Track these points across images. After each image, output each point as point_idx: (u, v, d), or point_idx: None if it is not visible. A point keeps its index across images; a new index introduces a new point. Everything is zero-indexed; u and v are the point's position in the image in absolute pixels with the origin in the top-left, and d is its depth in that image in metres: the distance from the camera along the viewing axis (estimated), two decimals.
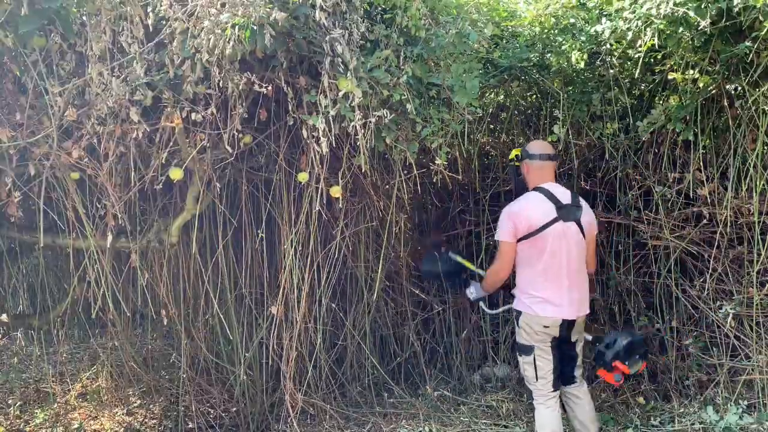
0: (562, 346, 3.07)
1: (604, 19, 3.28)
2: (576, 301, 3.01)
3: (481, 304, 3.54)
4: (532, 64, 3.65)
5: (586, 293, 3.10)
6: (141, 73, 2.48)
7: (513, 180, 3.42)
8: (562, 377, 3.10)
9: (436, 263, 3.64)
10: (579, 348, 3.16)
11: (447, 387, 4.25)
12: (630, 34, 3.14)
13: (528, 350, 3.04)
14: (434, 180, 3.03)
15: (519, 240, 3.00)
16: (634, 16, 3.06)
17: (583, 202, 3.10)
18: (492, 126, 4.27)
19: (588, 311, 3.11)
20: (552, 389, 3.03)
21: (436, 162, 2.90)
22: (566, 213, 2.98)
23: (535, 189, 3.07)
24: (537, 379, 3.04)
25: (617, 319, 4.07)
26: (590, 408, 3.15)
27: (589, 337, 3.22)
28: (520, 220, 2.97)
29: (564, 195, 3.04)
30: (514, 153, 3.29)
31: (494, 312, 3.52)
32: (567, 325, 3.01)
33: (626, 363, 2.95)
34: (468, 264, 3.63)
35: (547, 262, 2.97)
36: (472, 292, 3.41)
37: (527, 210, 2.99)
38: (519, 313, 3.06)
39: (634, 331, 3.76)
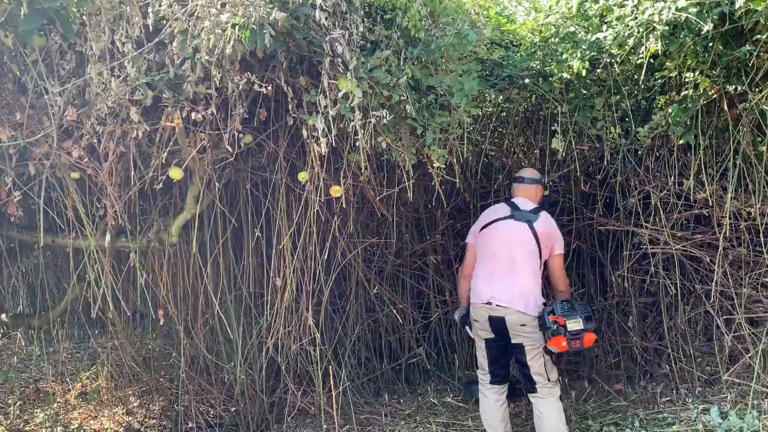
0: (509, 347, 3.11)
1: (605, 27, 3.27)
2: (512, 293, 3.01)
3: (467, 328, 3.33)
4: (534, 72, 3.64)
5: (526, 292, 3.03)
6: (132, 73, 2.48)
7: None
8: (522, 382, 3.16)
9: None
10: (531, 356, 3.02)
11: (447, 387, 4.26)
12: (632, 41, 3.14)
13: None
14: (432, 183, 3.03)
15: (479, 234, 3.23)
16: (636, 23, 3.06)
17: (545, 216, 3.16)
18: (492, 127, 4.27)
19: (531, 312, 2.99)
20: (490, 382, 3.17)
21: (434, 165, 2.89)
22: (519, 215, 3.15)
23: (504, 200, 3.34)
24: (477, 368, 3.27)
25: (614, 321, 4.08)
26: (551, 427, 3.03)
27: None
28: (478, 222, 3.26)
29: (525, 204, 3.21)
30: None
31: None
32: (501, 322, 3.02)
33: (563, 317, 2.87)
34: None
35: (492, 253, 3.13)
36: (456, 313, 3.41)
37: (485, 213, 3.29)
38: None
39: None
